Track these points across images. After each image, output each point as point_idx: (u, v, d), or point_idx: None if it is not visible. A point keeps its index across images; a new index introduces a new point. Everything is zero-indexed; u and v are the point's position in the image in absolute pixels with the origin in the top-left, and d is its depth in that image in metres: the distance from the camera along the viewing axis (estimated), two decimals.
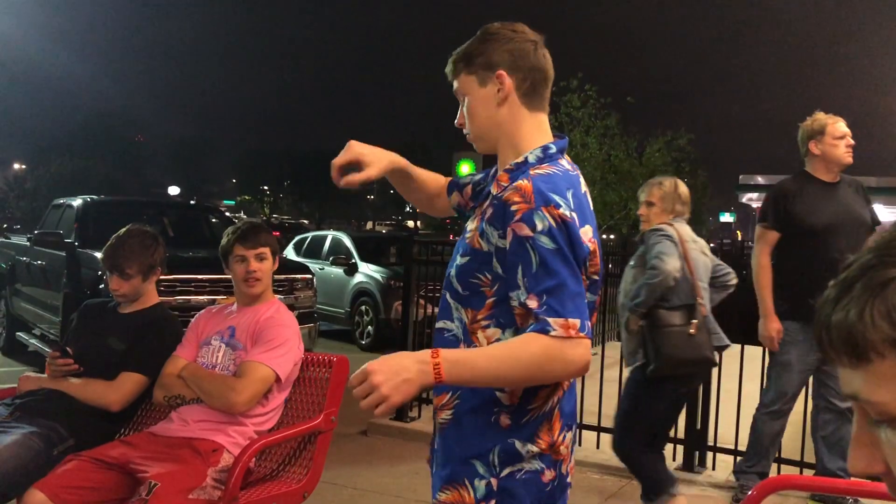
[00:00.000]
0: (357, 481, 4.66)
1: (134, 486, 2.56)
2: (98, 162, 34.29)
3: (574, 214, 1.56)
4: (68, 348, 3.06)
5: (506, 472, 1.60)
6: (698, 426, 4.96)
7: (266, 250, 2.96)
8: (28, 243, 8.69)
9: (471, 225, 1.71)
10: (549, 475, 1.64)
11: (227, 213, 11.24)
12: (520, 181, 1.58)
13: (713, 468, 4.94)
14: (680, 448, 4.97)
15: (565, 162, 1.68)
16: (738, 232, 36.64)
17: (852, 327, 0.66)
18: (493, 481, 1.59)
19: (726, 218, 49.36)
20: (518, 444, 1.60)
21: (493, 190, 1.68)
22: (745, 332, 4.93)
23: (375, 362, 1.50)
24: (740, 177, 32.77)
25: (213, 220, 9.38)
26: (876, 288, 0.65)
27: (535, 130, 1.70)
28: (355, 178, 1.78)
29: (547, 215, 1.53)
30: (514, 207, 1.55)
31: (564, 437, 1.67)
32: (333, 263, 11.38)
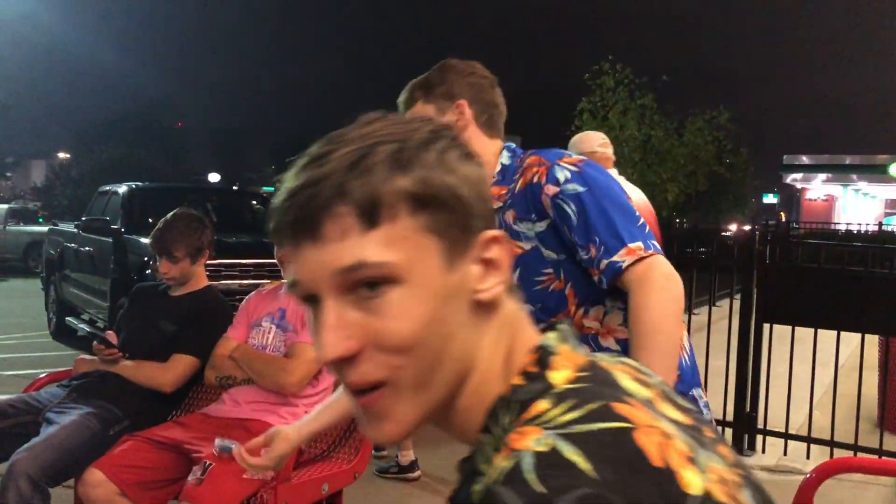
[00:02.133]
0: None
1: (188, 465, 2.59)
2: (140, 149, 34.86)
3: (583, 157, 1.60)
4: (109, 337, 3.11)
5: None
6: (748, 409, 4.88)
7: None
8: (76, 230, 8.85)
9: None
10: None
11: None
12: (526, 161, 1.63)
13: (763, 451, 4.87)
14: (729, 431, 4.90)
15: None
16: (781, 213, 35.96)
17: (375, 188, 0.66)
18: None
19: (770, 199, 48.59)
20: (696, 393, 1.60)
21: (496, 205, 1.65)
22: (792, 315, 4.83)
23: None
24: (784, 156, 32.14)
25: (256, 206, 9.45)
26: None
27: (497, 153, 1.73)
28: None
29: (565, 165, 1.56)
30: (535, 178, 1.57)
31: None
32: None
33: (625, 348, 1.55)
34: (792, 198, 41.48)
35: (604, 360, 0.72)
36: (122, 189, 8.33)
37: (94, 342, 3.07)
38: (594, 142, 4.13)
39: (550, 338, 0.73)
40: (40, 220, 21.88)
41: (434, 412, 0.72)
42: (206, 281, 3.28)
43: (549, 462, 0.57)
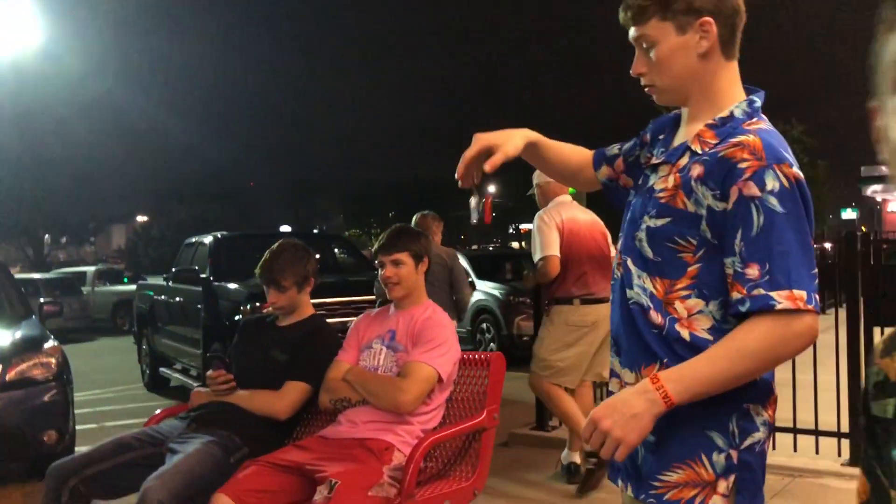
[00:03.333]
0: (507, 489, 4.62)
1: (311, 487, 2.61)
2: (215, 207, 36.17)
3: (800, 172, 1.45)
4: (218, 356, 3.18)
5: (746, 443, 1.47)
6: None
7: (402, 255, 2.98)
8: (164, 282, 9.14)
9: (660, 183, 1.56)
10: (768, 444, 1.55)
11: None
12: (744, 137, 1.45)
13: None
14: (846, 442, 4.68)
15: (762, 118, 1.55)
16: (863, 227, 34.71)
17: None
18: (734, 454, 1.46)
19: (848, 214, 46.93)
20: (757, 410, 1.49)
21: (696, 147, 1.53)
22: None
23: (600, 408, 1.46)
24: (862, 168, 31.11)
25: (336, 248, 9.63)
26: None
27: (733, 82, 1.56)
28: (495, 160, 1.71)
29: (780, 174, 1.40)
30: (742, 165, 1.41)
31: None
32: None
33: (690, 346, 1.47)
34: (872, 211, 40.04)
35: None
36: (208, 239, 8.60)
37: (209, 371, 3.15)
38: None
39: None
40: (125, 280, 22.70)
41: None
42: (312, 309, 3.33)
43: None
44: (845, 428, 4.68)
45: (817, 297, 1.40)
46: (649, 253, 1.54)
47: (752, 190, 1.40)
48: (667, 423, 1.48)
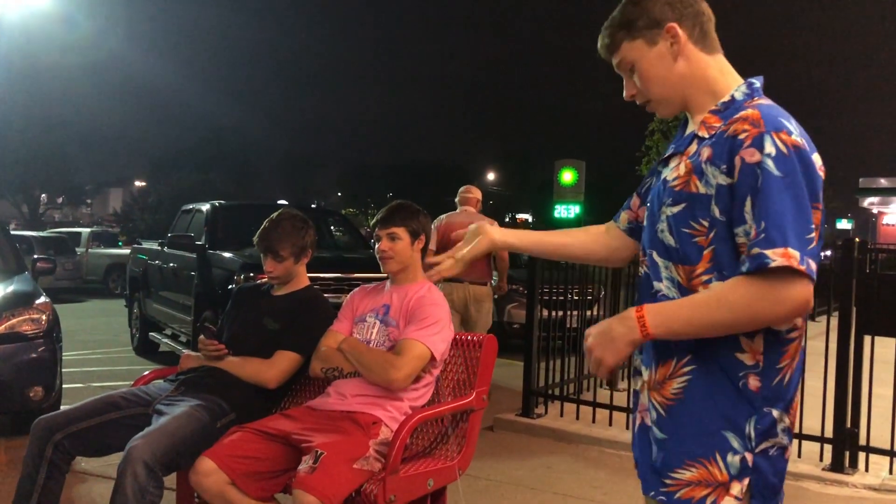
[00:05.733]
0: (490, 473, 4.64)
1: (296, 456, 2.61)
2: (212, 176, 36.09)
3: (804, 140, 1.46)
4: (210, 325, 3.18)
5: (762, 446, 1.47)
6: (848, 424, 4.67)
7: (398, 230, 2.97)
8: (160, 248, 9.11)
9: (673, 173, 1.59)
10: (789, 451, 1.54)
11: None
12: (745, 111, 1.49)
13: (866, 470, 4.66)
14: (828, 448, 4.71)
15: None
16: (856, 238, 34.69)
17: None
18: (749, 456, 1.46)
19: (843, 224, 47.09)
20: (776, 414, 1.48)
21: (703, 133, 1.56)
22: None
23: (591, 328, 1.56)
24: (860, 179, 31.11)
25: (332, 223, 9.60)
26: None
27: (724, 71, 1.62)
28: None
29: (777, 140, 1.42)
30: (742, 136, 1.45)
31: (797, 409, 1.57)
32: None
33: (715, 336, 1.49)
34: (867, 223, 40.11)
35: None
36: (206, 207, 8.55)
37: (201, 336, 3.14)
38: (460, 193, 6.99)
39: None
40: (120, 243, 22.66)
41: None
42: (307, 280, 3.32)
43: None
44: (829, 433, 4.70)
45: (812, 263, 1.39)
46: (671, 241, 1.57)
47: (754, 156, 1.43)
48: (683, 420, 1.50)
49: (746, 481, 1.46)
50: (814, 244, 1.41)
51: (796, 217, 1.40)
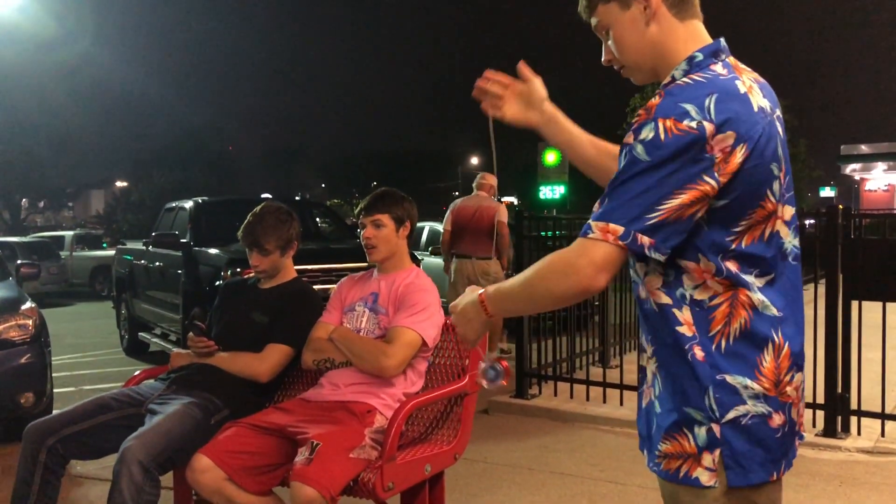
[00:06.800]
0: (487, 456, 4.65)
1: (292, 449, 2.60)
2: (195, 173, 35.88)
3: (708, 124, 1.36)
4: (199, 322, 3.15)
5: (729, 416, 1.43)
6: (839, 389, 4.72)
7: (382, 217, 2.96)
8: (144, 247, 9.04)
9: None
10: (777, 420, 1.45)
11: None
12: (652, 99, 1.44)
13: (858, 433, 4.71)
14: (820, 413, 4.75)
15: (719, 66, 1.48)
16: (839, 206, 34.89)
17: None
18: (715, 427, 1.43)
19: (826, 192, 47.41)
20: (730, 379, 1.43)
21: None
22: (881, 290, 4.67)
23: (453, 303, 1.70)
24: (842, 147, 31.28)
25: (317, 215, 9.57)
26: None
27: (689, 41, 1.52)
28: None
29: (660, 126, 1.36)
30: (634, 123, 1.42)
31: (792, 376, 1.50)
32: (432, 254, 11.44)
33: (660, 312, 1.48)
34: (850, 190, 40.38)
35: None
36: (189, 204, 8.50)
37: (190, 333, 3.12)
38: (476, 179, 7.85)
39: None
40: (104, 245, 22.48)
41: None
42: (294, 273, 3.31)
43: None
44: (821, 400, 4.74)
45: (646, 239, 1.36)
46: None
47: (628, 139, 1.42)
48: (661, 394, 1.51)
49: (717, 452, 1.43)
50: (662, 224, 1.37)
51: (643, 198, 1.36)
